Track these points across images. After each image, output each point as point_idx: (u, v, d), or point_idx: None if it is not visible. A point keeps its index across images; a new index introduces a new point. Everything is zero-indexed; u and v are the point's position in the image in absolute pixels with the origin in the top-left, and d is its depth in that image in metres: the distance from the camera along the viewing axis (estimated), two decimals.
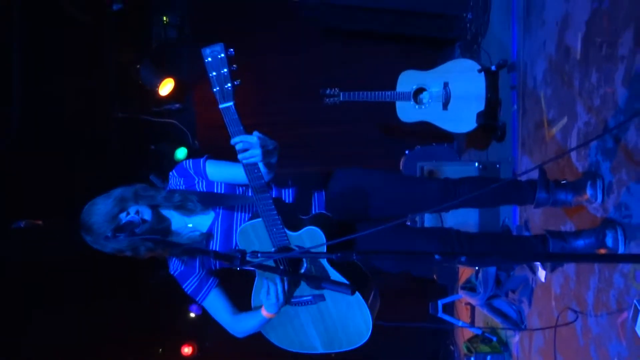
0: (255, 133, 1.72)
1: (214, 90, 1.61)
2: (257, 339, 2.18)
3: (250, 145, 1.70)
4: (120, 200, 1.93)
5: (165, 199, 2.00)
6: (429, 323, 4.81)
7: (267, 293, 1.91)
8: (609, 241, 2.07)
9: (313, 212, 2.13)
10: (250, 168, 1.75)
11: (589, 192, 2.19)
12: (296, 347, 2.15)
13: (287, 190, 2.16)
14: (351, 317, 2.00)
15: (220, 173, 2.09)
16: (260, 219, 1.85)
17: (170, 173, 2.12)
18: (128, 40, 4.79)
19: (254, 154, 1.71)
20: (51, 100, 3.84)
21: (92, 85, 4.38)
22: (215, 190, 2.09)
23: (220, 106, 1.62)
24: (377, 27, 4.51)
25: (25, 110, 3.59)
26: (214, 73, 1.59)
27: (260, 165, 1.76)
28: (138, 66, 4.73)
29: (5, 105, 3.50)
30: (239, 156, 1.71)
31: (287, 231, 1.85)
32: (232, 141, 1.69)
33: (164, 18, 4.97)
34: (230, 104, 1.62)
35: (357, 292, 1.92)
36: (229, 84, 1.60)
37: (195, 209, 2.02)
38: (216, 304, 2.11)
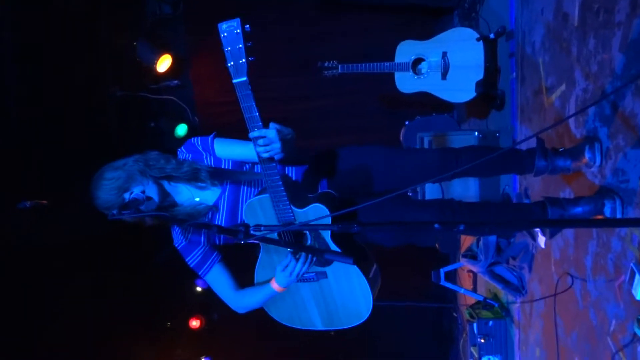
0: (272, 125, 1.76)
1: (228, 65, 1.63)
2: (262, 313, 2.23)
3: (269, 140, 1.74)
4: (127, 178, 1.95)
5: (175, 169, 2.03)
6: (429, 301, 4.94)
7: (285, 266, 1.95)
8: (607, 211, 2.10)
9: (319, 190, 2.16)
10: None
11: (587, 156, 2.21)
12: (296, 323, 2.20)
13: (294, 167, 2.19)
14: (352, 295, 2.05)
15: (228, 151, 2.12)
16: (267, 195, 1.88)
17: (179, 149, 2.16)
18: (123, 18, 4.74)
19: (274, 148, 1.76)
20: (49, 81, 3.83)
21: (90, 64, 4.35)
22: (223, 167, 2.12)
23: (234, 81, 1.64)
24: None
25: (23, 91, 3.59)
26: (229, 48, 1.60)
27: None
28: (135, 43, 4.70)
29: (2, 86, 3.50)
30: (258, 149, 1.75)
31: (293, 207, 1.88)
32: (251, 135, 1.73)
33: None
34: (244, 79, 1.63)
35: (359, 271, 1.98)
36: (244, 59, 1.61)
37: (206, 180, 2.05)
38: (219, 278, 2.15)
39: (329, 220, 1.82)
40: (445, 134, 3.84)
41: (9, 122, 3.48)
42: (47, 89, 3.79)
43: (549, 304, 2.84)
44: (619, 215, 2.08)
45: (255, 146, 1.76)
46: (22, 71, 3.58)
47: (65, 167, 3.50)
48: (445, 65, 3.64)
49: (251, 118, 1.71)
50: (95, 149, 3.83)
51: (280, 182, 1.82)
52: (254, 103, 1.67)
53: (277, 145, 1.76)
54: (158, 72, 4.82)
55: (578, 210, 2.19)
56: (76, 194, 2.50)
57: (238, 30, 1.59)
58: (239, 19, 1.59)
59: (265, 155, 1.77)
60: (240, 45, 1.60)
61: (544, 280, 2.93)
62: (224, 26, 1.59)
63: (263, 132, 1.73)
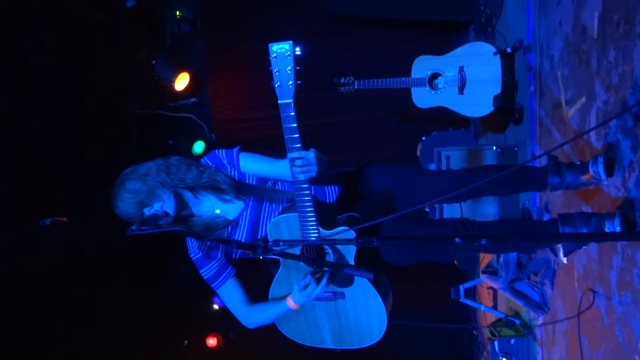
0: (313, 150, 1.79)
1: (275, 85, 1.65)
2: (279, 333, 2.22)
3: (307, 162, 1.77)
4: (148, 193, 1.96)
5: (195, 179, 2.02)
6: (448, 320, 4.86)
7: (303, 287, 1.94)
8: (611, 228, 2.06)
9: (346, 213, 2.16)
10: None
11: (591, 170, 2.18)
12: (306, 340, 2.19)
13: (321, 187, 2.19)
14: (367, 317, 2.04)
15: (254, 166, 2.12)
16: (295, 214, 1.88)
17: (202, 160, 2.13)
18: (143, 36, 4.83)
19: (312, 170, 1.78)
20: (71, 98, 3.90)
21: (110, 83, 4.42)
22: (247, 182, 2.12)
23: (280, 102, 1.66)
24: (389, 14, 4.49)
25: (46, 109, 3.65)
26: (277, 69, 1.62)
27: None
28: (153, 62, 4.77)
29: (25, 103, 3.57)
30: (295, 169, 1.77)
31: (320, 229, 1.88)
32: (290, 156, 1.75)
33: (177, 13, 4.99)
34: (290, 100, 1.66)
35: (377, 294, 1.98)
36: (291, 82, 1.63)
37: (230, 192, 2.05)
38: (232, 293, 2.14)
39: (351, 236, 1.81)
40: (463, 149, 3.82)
41: (32, 139, 3.53)
42: (69, 106, 3.85)
43: (572, 321, 2.77)
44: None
45: (292, 166, 1.77)
46: (45, 89, 3.65)
47: (85, 185, 3.53)
48: (462, 79, 3.63)
49: (291, 139, 1.73)
50: (114, 167, 3.87)
51: (311, 203, 1.83)
52: (296, 125, 1.70)
53: (315, 168, 1.78)
54: (176, 90, 4.88)
55: (588, 229, 2.15)
56: (95, 212, 2.53)
57: (289, 53, 1.61)
58: (291, 41, 1.61)
59: (302, 177, 1.78)
60: (290, 68, 1.62)
61: (567, 297, 2.87)
62: (274, 47, 1.61)
63: (302, 153, 1.75)
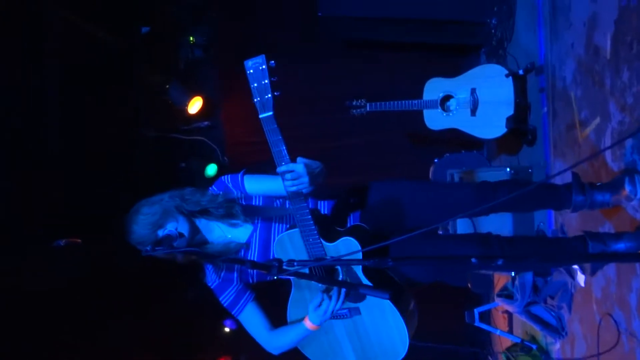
0: (300, 159, 1.77)
1: (255, 100, 1.66)
2: (292, 352, 2.17)
3: (297, 174, 1.75)
4: (162, 214, 1.97)
5: (210, 201, 2.05)
6: (464, 346, 4.77)
7: (318, 305, 1.92)
8: None
9: (349, 224, 2.14)
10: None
11: (627, 188, 2.14)
12: None
13: (323, 202, 2.18)
14: (387, 332, 1.99)
15: (258, 186, 2.13)
16: (297, 230, 1.87)
17: (210, 188, 2.17)
18: (157, 61, 4.90)
19: (302, 182, 1.77)
20: (86, 122, 3.96)
21: (124, 106, 4.49)
22: (254, 203, 2.13)
23: (261, 116, 1.67)
24: (400, 37, 4.53)
25: (62, 132, 3.71)
26: (255, 84, 1.64)
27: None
28: (167, 86, 4.84)
29: (42, 128, 3.63)
30: (286, 183, 1.76)
31: (324, 242, 1.87)
32: (279, 170, 1.74)
33: (191, 38, 5.07)
34: (270, 114, 1.67)
35: (393, 306, 1.93)
36: (269, 95, 1.65)
37: (239, 216, 2.06)
38: (252, 318, 2.12)
39: (360, 255, 1.79)
40: (476, 171, 3.79)
41: (49, 161, 3.58)
42: (84, 128, 3.91)
43: (591, 346, 2.71)
44: None
45: (284, 180, 1.76)
46: (61, 112, 3.71)
47: (99, 206, 3.56)
48: (474, 101, 3.63)
49: (278, 152, 1.73)
50: (128, 189, 3.91)
51: (310, 217, 1.82)
52: (280, 137, 1.70)
53: (305, 180, 1.77)
54: (189, 113, 4.94)
55: (620, 246, 2.11)
56: (109, 233, 2.54)
57: (263, 67, 1.62)
58: (263, 55, 1.63)
59: (293, 189, 1.77)
60: (266, 81, 1.64)
61: (585, 321, 2.81)
62: (249, 63, 1.63)
63: (291, 166, 1.74)
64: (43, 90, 3.65)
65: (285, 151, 1.72)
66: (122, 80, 4.48)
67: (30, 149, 3.50)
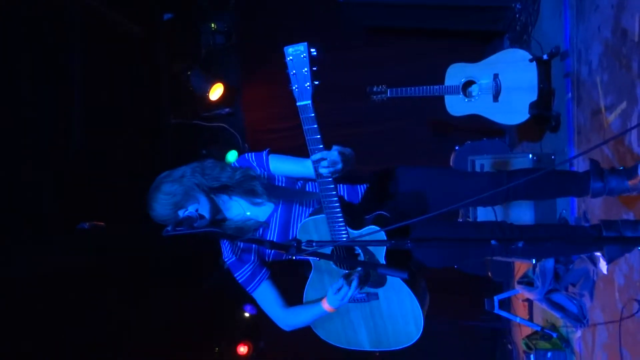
0: (335, 147, 1.78)
1: (293, 87, 1.66)
2: (309, 339, 2.20)
3: (332, 162, 1.76)
4: (183, 194, 1.99)
5: (230, 177, 2.06)
6: (483, 322, 4.73)
7: (338, 289, 1.92)
8: None
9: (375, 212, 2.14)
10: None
11: None
12: (343, 343, 2.17)
13: (346, 186, 2.18)
14: (403, 316, 2.00)
15: (283, 167, 2.14)
16: (323, 215, 1.87)
17: (232, 163, 2.18)
18: (179, 48, 4.94)
19: (337, 169, 1.78)
20: (110, 109, 4.02)
21: (146, 93, 4.53)
22: (277, 183, 2.14)
23: (298, 103, 1.67)
24: (422, 24, 4.48)
25: (85, 119, 3.77)
26: (294, 71, 1.63)
27: None
28: (189, 73, 4.88)
29: (68, 115, 3.69)
30: (322, 171, 1.77)
31: (349, 229, 1.87)
32: (313, 158, 1.75)
33: (212, 25, 5.10)
34: (308, 102, 1.67)
35: (411, 292, 1.95)
36: (309, 83, 1.64)
37: (262, 195, 2.07)
38: (267, 295, 2.14)
39: (383, 237, 1.80)
40: (499, 157, 3.75)
41: (72, 148, 3.65)
42: (107, 116, 3.96)
43: (613, 334, 2.68)
44: None
45: (318, 168, 1.77)
46: (85, 100, 3.77)
47: (121, 192, 3.62)
48: (496, 87, 3.59)
49: (313, 140, 1.73)
50: (149, 175, 3.95)
51: (338, 204, 1.82)
52: (316, 126, 1.70)
53: (340, 167, 1.78)
54: (210, 100, 4.97)
55: (636, 234, 2.08)
56: (131, 218, 2.58)
57: (305, 55, 1.61)
58: (306, 43, 1.62)
59: (329, 175, 1.78)
60: (306, 69, 1.63)
61: (607, 309, 2.78)
62: (290, 50, 1.62)
63: (325, 154, 1.75)
64: (66, 79, 3.70)
65: (320, 139, 1.72)
66: (143, 67, 4.52)
67: (55, 139, 3.57)
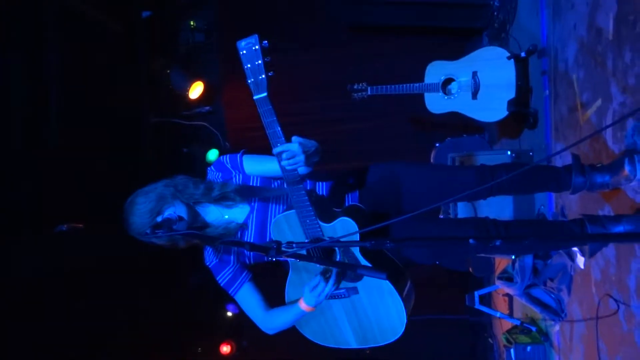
0: (295, 138, 1.76)
1: (249, 81, 1.64)
2: (293, 338, 2.19)
3: (292, 153, 1.74)
4: (158, 200, 1.97)
5: (204, 194, 2.04)
6: (465, 315, 4.78)
7: (314, 287, 1.91)
8: None
9: (346, 204, 2.14)
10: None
11: (627, 168, 2.13)
12: (330, 341, 2.16)
13: (321, 183, 2.18)
14: (385, 311, 2.00)
15: (257, 167, 2.13)
16: (293, 211, 1.87)
17: (209, 168, 2.17)
18: (157, 46, 4.89)
19: (298, 161, 1.75)
20: (87, 107, 3.96)
21: (125, 91, 4.48)
22: (251, 184, 2.13)
23: (255, 97, 1.65)
24: (402, 21, 4.50)
25: (63, 117, 3.71)
26: (249, 65, 1.62)
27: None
28: (168, 71, 4.83)
29: (43, 111, 3.63)
30: (282, 163, 1.75)
31: (320, 222, 1.87)
32: (275, 151, 1.73)
33: (191, 22, 5.05)
34: (264, 94, 1.64)
35: (391, 286, 1.94)
36: (263, 75, 1.62)
37: (235, 200, 2.06)
38: (248, 298, 2.12)
39: (358, 235, 1.80)
40: (477, 154, 3.79)
41: (51, 146, 3.59)
42: (85, 114, 3.91)
43: (590, 328, 2.72)
44: None
45: (280, 161, 1.76)
46: (63, 98, 3.71)
47: (101, 192, 3.57)
48: (475, 84, 3.62)
49: (273, 133, 1.71)
50: (130, 174, 3.92)
51: (307, 197, 1.81)
52: (275, 118, 1.68)
53: (301, 158, 1.75)
54: (190, 98, 4.93)
55: (619, 229, 2.11)
56: (110, 218, 2.55)
57: (257, 47, 1.60)
58: (256, 35, 1.60)
59: (289, 168, 1.76)
60: (259, 62, 1.61)
61: (584, 303, 2.83)
62: (242, 44, 1.61)
63: (286, 146, 1.73)
64: (43, 77, 3.64)
65: (281, 132, 1.70)
66: (122, 65, 4.46)
67: (34, 138, 3.51)
